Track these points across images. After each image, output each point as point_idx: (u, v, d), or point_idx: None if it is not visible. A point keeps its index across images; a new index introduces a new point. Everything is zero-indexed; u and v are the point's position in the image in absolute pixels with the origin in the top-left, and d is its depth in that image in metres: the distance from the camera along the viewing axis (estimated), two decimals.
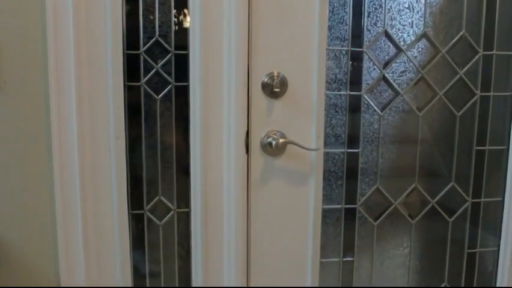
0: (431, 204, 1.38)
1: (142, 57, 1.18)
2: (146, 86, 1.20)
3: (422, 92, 1.32)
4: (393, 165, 1.34)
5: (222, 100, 1.20)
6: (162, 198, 1.25)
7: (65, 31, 1.10)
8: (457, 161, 1.36)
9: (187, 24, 1.18)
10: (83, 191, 1.17)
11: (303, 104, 1.23)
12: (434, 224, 1.40)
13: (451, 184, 1.38)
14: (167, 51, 1.19)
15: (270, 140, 1.21)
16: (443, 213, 1.38)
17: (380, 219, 1.36)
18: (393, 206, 1.36)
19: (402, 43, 1.29)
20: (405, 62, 1.30)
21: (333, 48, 1.26)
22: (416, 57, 1.31)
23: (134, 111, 1.20)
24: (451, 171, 1.37)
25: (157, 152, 1.23)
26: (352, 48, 1.27)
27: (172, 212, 1.26)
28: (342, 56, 1.27)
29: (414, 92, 1.32)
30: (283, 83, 1.21)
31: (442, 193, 1.38)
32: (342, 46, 1.27)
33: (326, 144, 1.29)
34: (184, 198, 1.25)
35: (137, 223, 1.25)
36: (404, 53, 1.29)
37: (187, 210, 1.25)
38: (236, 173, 1.22)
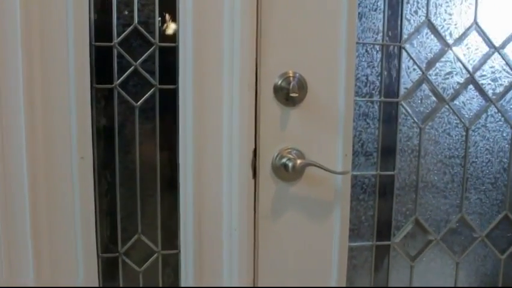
0: (480, 238, 1.11)
1: (115, 51, 0.89)
2: (121, 90, 0.91)
3: (471, 99, 1.06)
4: (436, 191, 1.07)
5: (221, 109, 0.91)
6: (142, 237, 0.96)
7: (9, 13, 0.81)
8: (511, 184, 1.10)
9: (176, 8, 0.89)
10: (35, 229, 0.87)
11: (327, 113, 0.95)
12: (482, 262, 1.13)
13: (503, 213, 1.11)
14: (149, 44, 0.91)
15: (284, 160, 0.92)
16: (494, 249, 1.12)
17: (418, 258, 1.08)
18: (435, 241, 1.08)
19: (448, 37, 1.02)
20: (451, 62, 1.03)
21: (365, 42, 0.99)
22: (464, 55, 1.04)
23: (105, 122, 0.91)
24: (504, 198, 1.10)
25: (136, 177, 0.93)
26: (388, 43, 1.00)
27: (155, 255, 0.96)
28: (375, 53, 1.00)
29: (463, 99, 1.05)
30: (302, 86, 0.93)
31: (493, 224, 1.11)
32: (375, 40, 0.99)
33: (353, 165, 1.01)
34: (171, 236, 0.96)
35: (109, 270, 0.95)
36: (451, 49, 1.02)
37: (175, 252, 0.96)
38: (240, 204, 0.93)
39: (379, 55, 1.00)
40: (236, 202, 0.93)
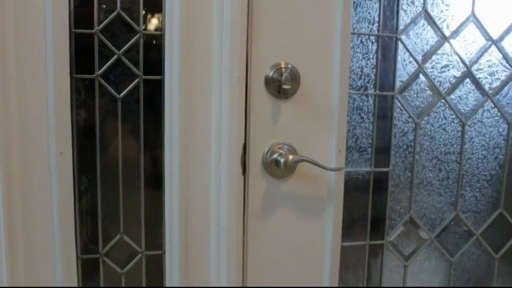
0: (474, 237, 1.08)
1: (97, 39, 0.84)
2: (103, 80, 0.85)
3: (468, 93, 1.02)
4: (431, 188, 1.04)
5: (209, 101, 0.87)
6: (125, 237, 0.90)
7: None
8: (507, 180, 1.07)
9: None
10: (9, 227, 0.82)
11: (320, 107, 0.91)
12: (477, 261, 1.10)
13: (498, 211, 1.08)
14: (133, 32, 0.85)
15: (275, 156, 0.88)
16: (488, 248, 1.09)
17: (411, 258, 1.05)
18: (429, 239, 1.05)
19: (445, 29, 0.99)
20: (448, 54, 1.00)
21: (360, 32, 0.95)
22: (461, 47, 1.00)
23: (86, 115, 0.85)
24: (499, 195, 1.08)
25: (118, 174, 0.88)
26: (383, 34, 0.96)
27: (139, 256, 0.91)
28: (370, 44, 0.95)
29: (459, 93, 1.02)
30: (294, 78, 0.88)
31: (488, 223, 1.08)
32: (370, 30, 0.95)
33: (346, 162, 0.97)
34: (156, 236, 0.91)
35: (89, 272, 0.89)
36: (448, 41, 0.99)
37: (160, 252, 0.91)
38: (229, 202, 0.88)
39: (374, 46, 0.96)
40: (225, 200, 0.88)
